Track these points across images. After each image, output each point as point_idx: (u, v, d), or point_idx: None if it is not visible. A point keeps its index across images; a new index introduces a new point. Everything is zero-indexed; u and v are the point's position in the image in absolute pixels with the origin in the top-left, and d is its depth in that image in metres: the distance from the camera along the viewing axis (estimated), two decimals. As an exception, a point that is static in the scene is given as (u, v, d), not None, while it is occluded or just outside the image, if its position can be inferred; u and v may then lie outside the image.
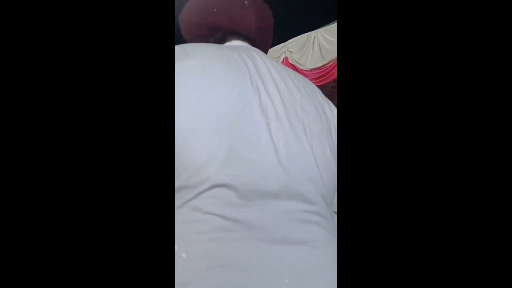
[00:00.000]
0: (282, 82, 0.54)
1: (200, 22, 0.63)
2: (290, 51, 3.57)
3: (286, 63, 3.55)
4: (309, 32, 3.23)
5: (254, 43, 0.63)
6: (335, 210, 0.59)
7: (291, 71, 0.60)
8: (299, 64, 3.45)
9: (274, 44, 3.63)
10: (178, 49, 0.53)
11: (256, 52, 0.57)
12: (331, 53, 3.05)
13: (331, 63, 3.11)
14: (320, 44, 3.12)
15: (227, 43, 0.63)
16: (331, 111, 0.63)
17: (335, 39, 2.95)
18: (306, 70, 3.29)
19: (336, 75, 3.03)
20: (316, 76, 3.21)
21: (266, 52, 0.67)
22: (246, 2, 0.61)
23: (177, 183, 0.46)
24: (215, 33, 0.63)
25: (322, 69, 3.19)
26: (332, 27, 3.03)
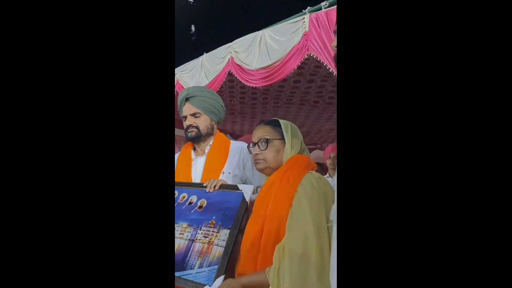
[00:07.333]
0: None
1: None
2: (236, 51, 3.54)
3: (232, 63, 3.52)
4: (256, 32, 3.23)
5: None
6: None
7: None
8: (245, 64, 3.43)
9: (220, 44, 3.58)
10: None
11: None
12: (278, 52, 3.08)
13: (278, 62, 3.13)
14: (267, 44, 3.13)
15: None
16: None
17: (282, 39, 2.98)
18: (252, 70, 3.29)
19: (283, 74, 3.06)
20: (263, 76, 3.22)
21: None
22: None
23: None
24: None
25: (269, 69, 3.21)
26: (279, 27, 3.06)
